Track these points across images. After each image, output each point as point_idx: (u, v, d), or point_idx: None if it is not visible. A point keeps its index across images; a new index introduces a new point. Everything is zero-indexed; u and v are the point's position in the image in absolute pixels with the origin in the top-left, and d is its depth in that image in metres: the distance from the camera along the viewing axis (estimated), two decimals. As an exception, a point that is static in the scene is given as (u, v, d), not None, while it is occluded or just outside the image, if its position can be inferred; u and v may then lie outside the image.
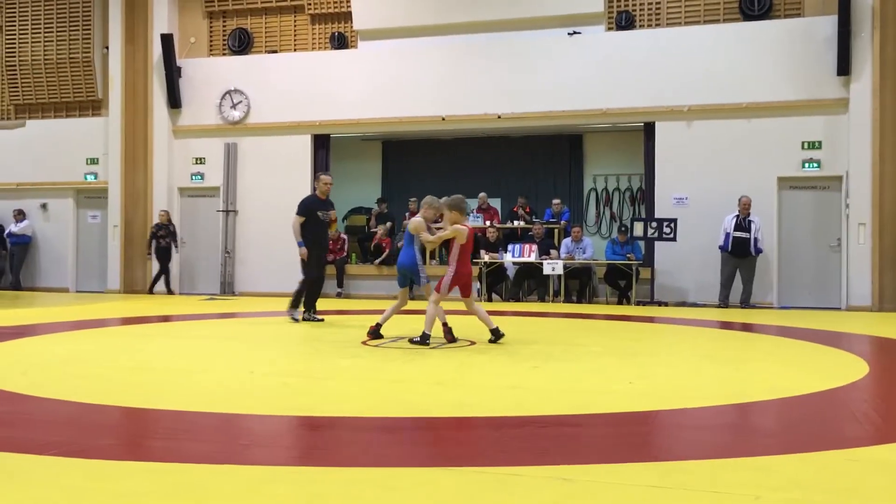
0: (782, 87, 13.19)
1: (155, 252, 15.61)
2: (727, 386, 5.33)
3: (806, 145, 13.17)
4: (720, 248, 13.00)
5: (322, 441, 3.90)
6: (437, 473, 3.15)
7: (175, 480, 3.04)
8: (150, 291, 15.63)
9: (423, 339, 7.17)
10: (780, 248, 13.35)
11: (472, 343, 7.44)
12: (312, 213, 9.68)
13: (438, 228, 7.58)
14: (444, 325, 7.44)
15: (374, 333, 7.59)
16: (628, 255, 13.54)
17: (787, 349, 7.48)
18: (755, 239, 12.81)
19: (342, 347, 7.12)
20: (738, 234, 12.85)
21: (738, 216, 12.91)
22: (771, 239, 13.24)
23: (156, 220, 15.89)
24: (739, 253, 12.86)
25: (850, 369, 6.00)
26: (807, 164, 13.15)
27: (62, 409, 4.46)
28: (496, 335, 7.37)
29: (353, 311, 11.76)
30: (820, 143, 13.10)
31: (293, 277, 15.48)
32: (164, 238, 15.54)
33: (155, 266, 15.73)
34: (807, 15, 13.43)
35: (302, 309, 9.77)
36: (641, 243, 13.80)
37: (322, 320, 9.65)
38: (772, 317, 11.15)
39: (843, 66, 12.71)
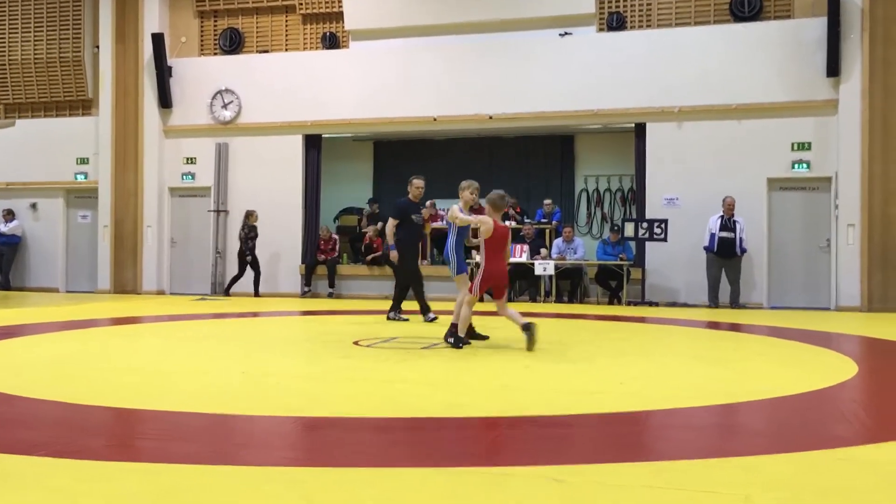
0: (772, 89, 13.25)
1: (242, 255, 15.11)
2: (717, 386, 5.35)
3: (796, 146, 13.24)
4: (705, 248, 13.06)
5: (315, 441, 3.90)
6: (430, 474, 3.16)
7: (166, 481, 3.03)
8: (227, 293, 15.30)
9: (456, 342, 6.96)
10: (770, 248, 13.42)
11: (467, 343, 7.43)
12: (407, 217, 9.73)
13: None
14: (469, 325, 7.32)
15: (471, 335, 7.39)
16: (620, 256, 13.59)
17: (776, 349, 7.52)
18: (740, 239, 12.88)
19: (335, 348, 7.12)
20: (724, 234, 12.92)
21: (722, 216, 12.98)
22: (761, 239, 13.31)
23: (148, 220, 15.86)
24: (725, 253, 12.92)
25: (839, 369, 6.04)
26: (796, 165, 13.22)
27: (52, 409, 4.44)
28: (526, 330, 6.76)
29: (345, 311, 11.76)
30: (809, 144, 13.18)
31: (285, 278, 15.59)
32: (252, 240, 15.14)
33: (232, 269, 15.45)
34: (796, 16, 13.51)
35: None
36: (632, 244, 13.84)
37: (407, 320, 9.80)
38: (761, 317, 11.20)
39: (833, 68, 12.79)
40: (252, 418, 4.29)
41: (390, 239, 9.76)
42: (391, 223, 9.78)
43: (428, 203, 15.82)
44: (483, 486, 2.99)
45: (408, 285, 10.00)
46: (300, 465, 3.37)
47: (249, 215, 15.01)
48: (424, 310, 9.79)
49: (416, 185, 9.87)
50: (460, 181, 8.05)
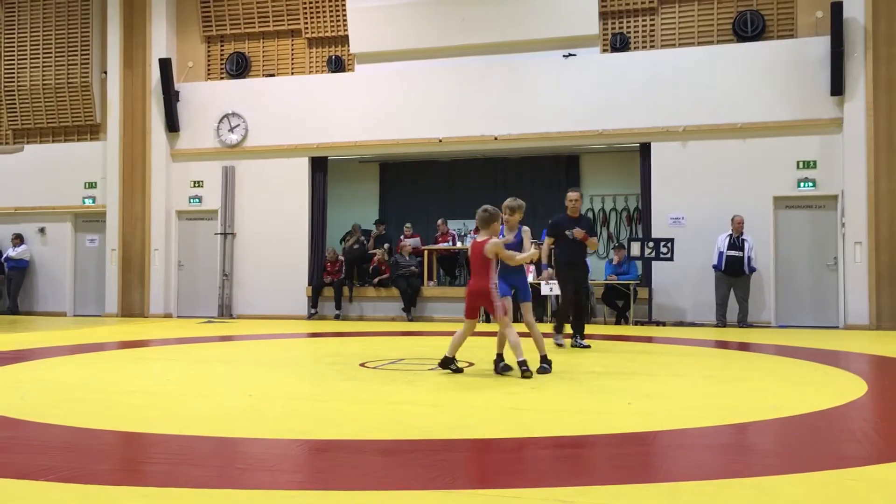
0: (777, 108, 13.28)
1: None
2: (727, 405, 5.32)
3: (801, 165, 13.24)
4: (714, 267, 13.04)
5: (321, 464, 3.88)
6: (437, 496, 3.14)
7: (173, 505, 3.02)
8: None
9: (521, 369, 6.46)
10: (777, 267, 13.38)
11: (471, 364, 7.42)
12: (560, 233, 9.06)
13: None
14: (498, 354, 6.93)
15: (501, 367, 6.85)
16: (611, 276, 13.53)
17: (785, 368, 7.48)
18: (748, 258, 12.86)
19: (341, 369, 7.11)
20: (732, 253, 12.90)
21: (731, 235, 12.97)
22: (767, 258, 13.27)
23: (156, 244, 15.92)
24: (733, 272, 12.90)
25: (848, 388, 6.00)
26: (802, 184, 13.21)
27: (59, 433, 4.43)
28: (521, 366, 6.46)
29: (352, 333, 11.74)
30: (815, 162, 13.17)
31: (292, 300, 15.59)
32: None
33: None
34: (800, 36, 13.56)
35: (569, 332, 9.21)
36: (638, 263, 13.82)
37: (588, 346, 9.00)
38: (770, 335, 11.14)
39: (837, 87, 12.81)
40: (258, 441, 4.28)
41: (543, 257, 9.11)
42: (546, 242, 9.22)
43: (439, 221, 15.91)
44: (490, 508, 2.97)
45: (565, 308, 9.24)
46: (307, 489, 3.35)
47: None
48: (560, 328, 9.14)
49: (570, 197, 9.12)
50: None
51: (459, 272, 16.03)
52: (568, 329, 9.20)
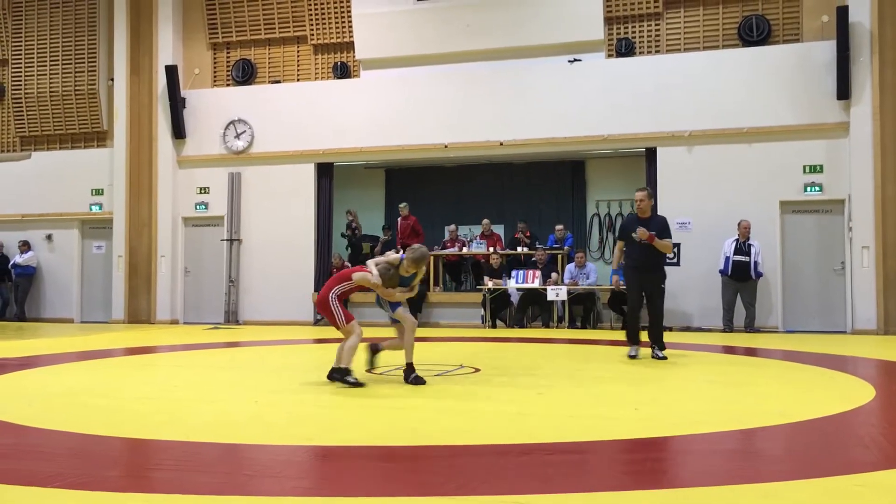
0: (783, 112, 13.25)
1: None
2: (733, 411, 5.30)
3: (807, 169, 13.20)
4: (720, 272, 13.00)
5: (326, 470, 3.89)
6: (442, 502, 3.13)
7: (180, 512, 3.03)
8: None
9: (335, 373, 6.42)
10: (784, 271, 13.33)
11: (477, 370, 7.42)
12: (628, 235, 8.40)
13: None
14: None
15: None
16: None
17: (793, 373, 7.45)
18: (755, 263, 12.82)
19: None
20: (738, 258, 12.86)
21: (737, 240, 12.94)
22: (774, 263, 13.23)
23: (162, 250, 15.96)
24: (739, 277, 12.86)
25: (856, 393, 5.97)
26: (809, 188, 13.17)
27: (67, 440, 4.45)
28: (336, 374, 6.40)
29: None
30: (821, 166, 13.14)
31: (298, 306, 15.61)
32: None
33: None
34: (805, 40, 13.53)
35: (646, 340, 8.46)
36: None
37: (664, 358, 8.19)
38: (777, 341, 11.11)
39: (843, 91, 12.78)
40: (265, 447, 4.28)
41: (614, 263, 8.86)
42: (617, 246, 8.72)
43: (451, 227, 15.82)
44: (497, 514, 2.96)
45: (630, 318, 8.69)
46: (313, 495, 3.35)
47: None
48: (632, 339, 8.40)
49: (637, 197, 8.42)
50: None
51: (465, 278, 16.02)
52: (645, 336, 8.46)
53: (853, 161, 12.81)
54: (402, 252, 6.86)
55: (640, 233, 8.11)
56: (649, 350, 8.36)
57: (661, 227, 8.25)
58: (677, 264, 13.06)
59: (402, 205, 15.74)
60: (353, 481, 3.58)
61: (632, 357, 8.30)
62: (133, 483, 3.60)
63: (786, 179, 13.25)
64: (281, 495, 3.32)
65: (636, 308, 8.47)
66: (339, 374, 6.37)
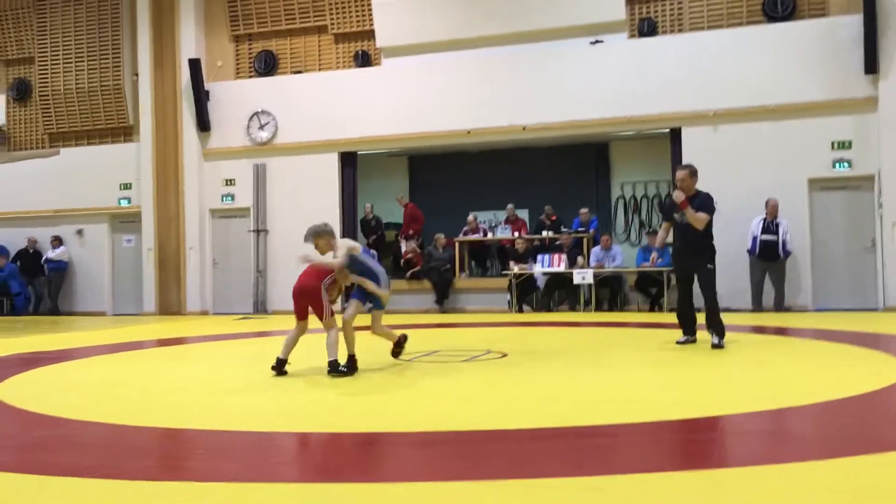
0: (809, 88, 13.05)
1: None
2: (763, 391, 5.28)
3: (836, 145, 13.01)
4: (748, 251, 12.88)
5: (356, 457, 3.93)
6: (472, 487, 3.17)
7: (213, 500, 3.09)
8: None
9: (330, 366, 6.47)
10: (813, 250, 13.17)
11: (504, 355, 7.44)
12: (670, 215, 7.94)
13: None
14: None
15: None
16: (651, 259, 13.33)
17: (823, 352, 7.39)
18: (783, 241, 12.68)
19: (376, 363, 7.15)
20: (766, 237, 12.73)
21: (765, 219, 12.80)
22: (803, 241, 13.08)
23: (190, 242, 16.14)
24: (768, 256, 12.73)
25: (888, 371, 5.91)
26: (837, 165, 12.99)
27: (102, 431, 4.54)
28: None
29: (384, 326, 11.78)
30: (850, 142, 12.94)
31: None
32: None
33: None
34: (832, 14, 13.30)
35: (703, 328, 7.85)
36: (670, 249, 13.68)
37: (720, 346, 7.53)
38: (807, 319, 11.00)
39: (871, 65, 12.56)
40: (296, 435, 4.34)
41: (659, 243, 8.64)
42: (664, 226, 8.27)
43: (470, 217, 15.81)
44: (525, 498, 2.99)
45: (679, 302, 8.11)
46: (342, 482, 3.39)
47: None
48: (713, 332, 7.64)
49: (678, 177, 7.82)
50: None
51: (491, 263, 16.02)
52: (705, 322, 7.75)
53: (882, 136, 12.60)
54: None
55: (676, 196, 7.66)
56: (699, 338, 7.88)
57: (698, 203, 7.68)
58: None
59: (399, 195, 15.85)
60: (381, 467, 3.63)
61: (679, 343, 7.86)
62: (167, 472, 3.67)
63: (814, 156, 13.07)
64: (311, 482, 3.37)
65: (680, 295, 8.00)
66: (334, 368, 6.36)
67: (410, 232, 15.74)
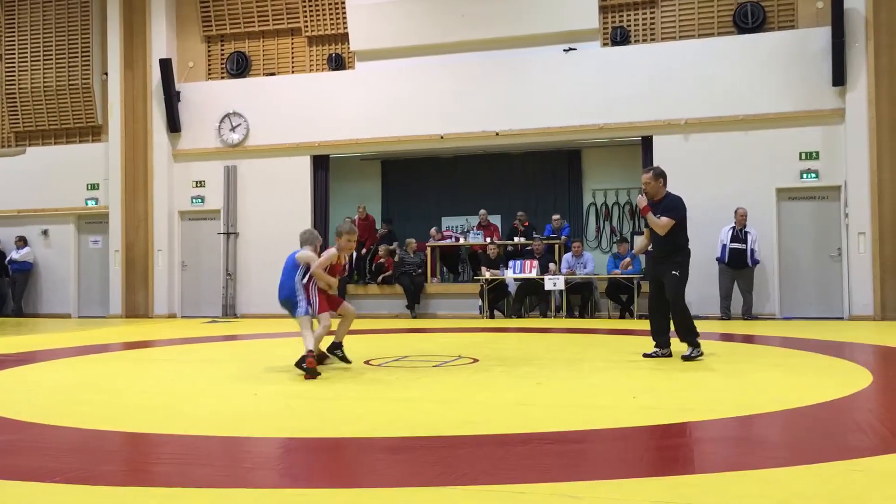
0: (779, 99, 13.25)
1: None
2: (731, 398, 5.32)
3: (804, 156, 13.21)
4: (717, 259, 13.02)
5: (327, 462, 3.90)
6: (443, 493, 3.15)
7: (181, 505, 3.04)
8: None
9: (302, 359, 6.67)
10: (781, 258, 13.36)
11: (475, 361, 7.43)
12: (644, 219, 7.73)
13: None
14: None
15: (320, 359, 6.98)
16: (623, 265, 13.41)
17: (790, 360, 7.47)
18: (752, 250, 12.84)
19: (345, 368, 7.11)
20: (735, 245, 12.89)
21: (734, 228, 12.96)
22: (771, 250, 13.26)
23: (159, 244, 15.93)
24: (736, 264, 12.89)
25: (853, 379, 6.00)
26: (805, 175, 13.18)
27: (67, 435, 4.45)
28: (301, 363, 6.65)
29: (356, 331, 11.74)
30: (817, 153, 13.15)
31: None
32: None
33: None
34: (800, 27, 13.51)
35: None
36: (641, 257, 13.79)
37: (690, 358, 7.23)
38: (774, 328, 11.14)
39: (839, 77, 12.78)
40: (265, 440, 4.29)
41: (636, 250, 8.45)
42: (645, 233, 7.97)
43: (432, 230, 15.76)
44: (497, 504, 2.98)
45: (650, 310, 7.82)
46: (314, 487, 3.36)
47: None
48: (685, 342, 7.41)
49: (643, 180, 7.65)
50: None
51: (463, 268, 16.03)
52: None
53: (849, 147, 12.82)
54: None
55: (639, 200, 7.58)
56: (671, 350, 7.52)
57: (664, 207, 7.51)
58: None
59: (360, 206, 15.92)
60: (353, 473, 3.59)
61: (645, 356, 7.45)
62: (134, 477, 3.61)
63: (782, 166, 13.26)
64: (281, 487, 3.34)
65: (650, 301, 7.72)
66: (302, 360, 6.63)
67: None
